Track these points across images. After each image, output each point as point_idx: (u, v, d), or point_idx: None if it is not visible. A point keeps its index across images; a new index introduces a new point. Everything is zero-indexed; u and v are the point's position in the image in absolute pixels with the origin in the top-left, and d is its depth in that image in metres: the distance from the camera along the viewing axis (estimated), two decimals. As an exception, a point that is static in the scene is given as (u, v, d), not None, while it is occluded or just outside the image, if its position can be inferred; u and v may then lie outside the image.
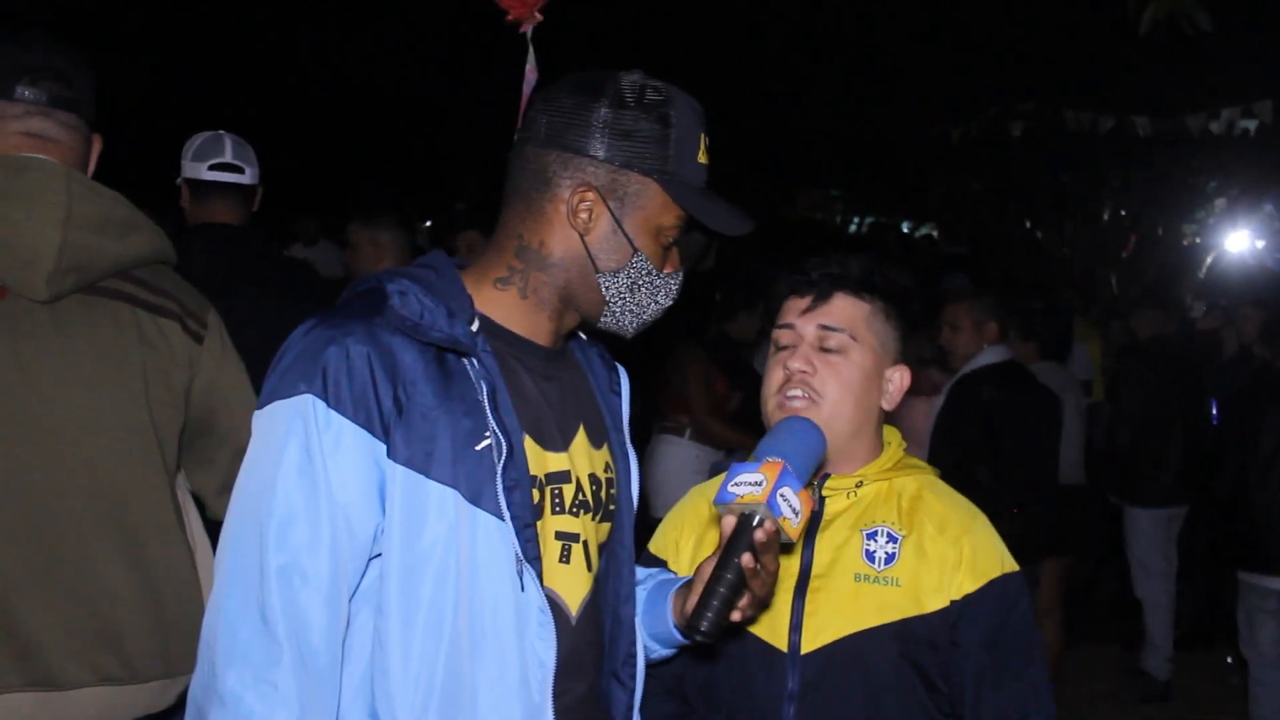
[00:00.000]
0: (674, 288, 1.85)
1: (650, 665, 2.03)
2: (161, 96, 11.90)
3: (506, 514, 1.67)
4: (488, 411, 1.68)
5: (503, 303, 1.78)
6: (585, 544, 1.83)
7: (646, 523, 2.28)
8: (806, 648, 2.05)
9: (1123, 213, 13.23)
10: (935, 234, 17.38)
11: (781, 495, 1.74)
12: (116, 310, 2.35)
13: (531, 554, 1.70)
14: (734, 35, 11.34)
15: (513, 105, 2.59)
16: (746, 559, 1.72)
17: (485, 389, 1.69)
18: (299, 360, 1.64)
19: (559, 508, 1.79)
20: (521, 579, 1.68)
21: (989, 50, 9.87)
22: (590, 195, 1.73)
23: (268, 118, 12.76)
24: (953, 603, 2.04)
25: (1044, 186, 12.94)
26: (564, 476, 1.81)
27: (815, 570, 2.09)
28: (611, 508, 1.91)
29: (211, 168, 3.76)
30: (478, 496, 1.66)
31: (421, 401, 1.64)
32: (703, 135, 1.81)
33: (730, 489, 1.77)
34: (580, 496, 1.83)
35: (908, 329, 2.20)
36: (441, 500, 1.64)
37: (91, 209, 2.32)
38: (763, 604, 1.82)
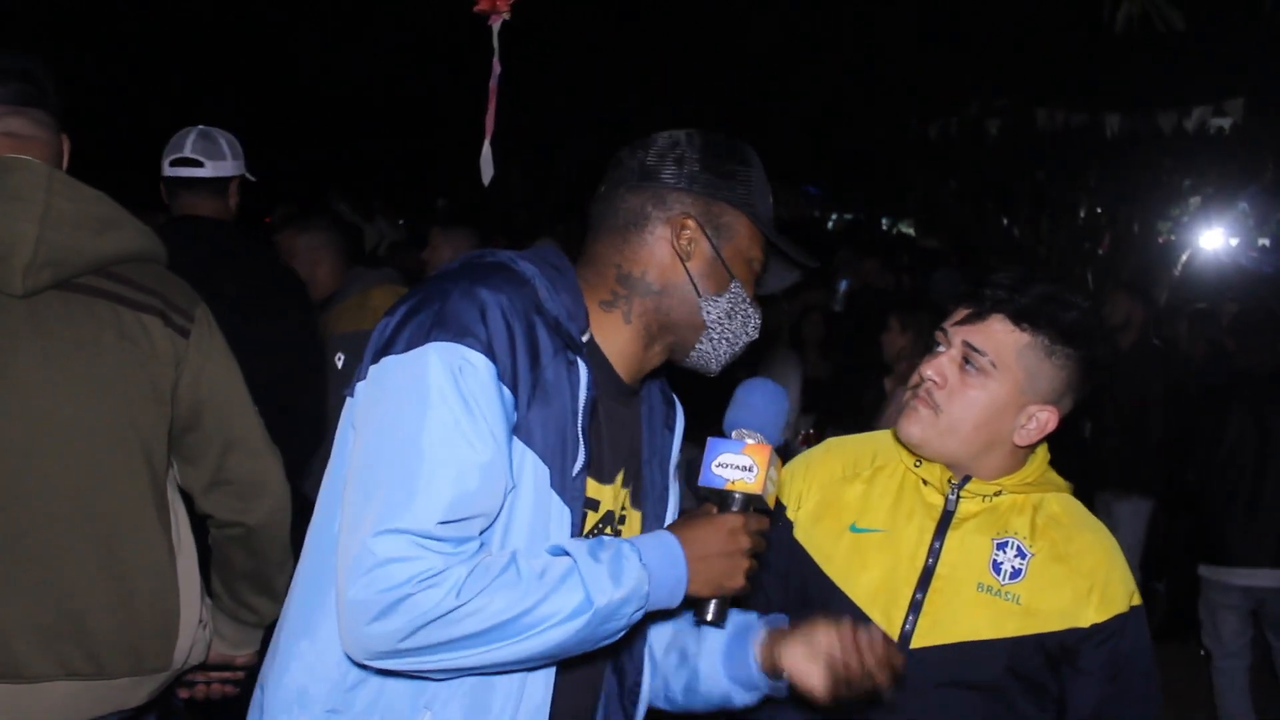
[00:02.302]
0: (758, 321, 1.93)
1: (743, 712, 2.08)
2: (142, 94, 11.83)
3: (570, 510, 1.76)
4: (581, 420, 1.75)
5: (607, 325, 1.87)
6: None
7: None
8: (916, 643, 2.06)
9: (1099, 210, 13.30)
10: (912, 231, 17.43)
11: (769, 478, 1.81)
12: (95, 307, 2.34)
13: None
14: (713, 33, 11.35)
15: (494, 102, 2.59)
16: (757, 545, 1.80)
17: (585, 399, 1.76)
18: (458, 310, 1.66)
19: (580, 531, 1.84)
20: None
21: (967, 48, 9.92)
22: (691, 224, 1.84)
23: (252, 114, 12.71)
24: (1074, 629, 2.04)
25: (1021, 184, 13.00)
26: (594, 504, 1.87)
27: (940, 569, 2.09)
28: None
29: (172, 164, 3.80)
30: (562, 486, 1.74)
31: (547, 383, 1.71)
32: (768, 183, 1.91)
33: (715, 470, 1.81)
34: (598, 528, 1.89)
35: (1084, 372, 2.09)
36: (538, 475, 1.71)
37: (70, 206, 2.32)
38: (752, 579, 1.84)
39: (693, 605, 1.82)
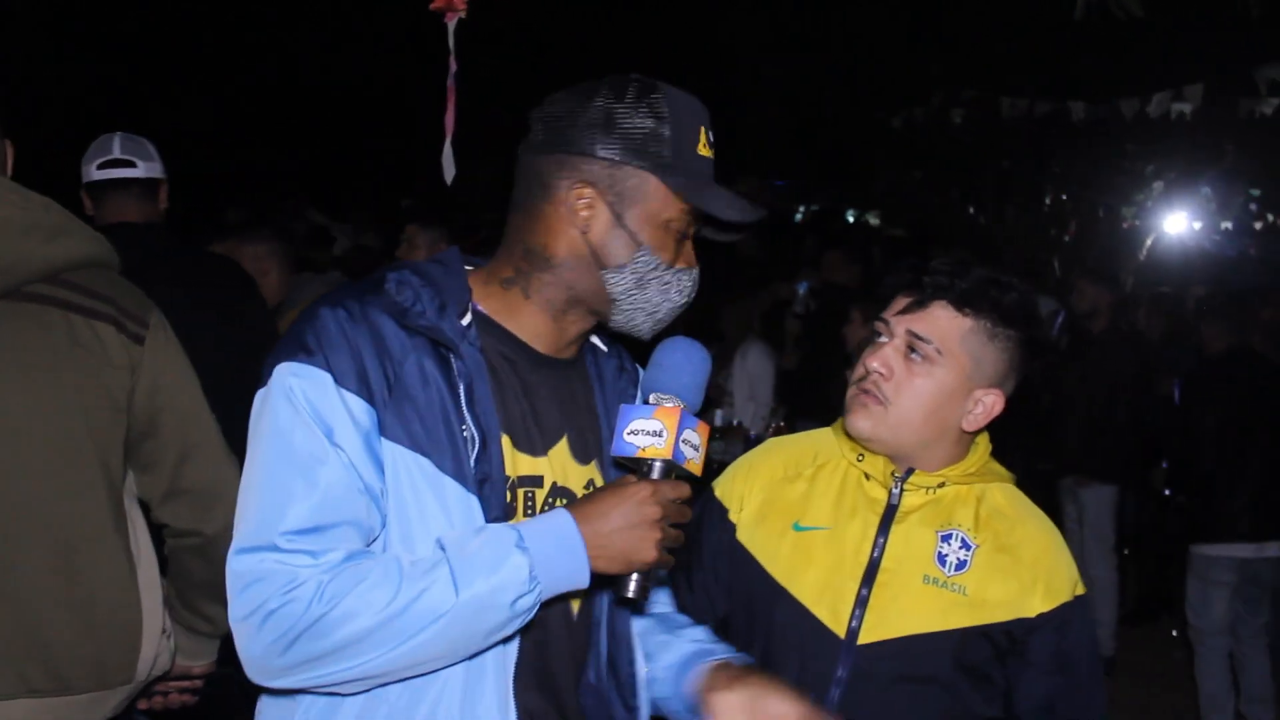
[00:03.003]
0: (687, 284, 1.83)
1: None
2: (101, 97, 11.70)
3: (475, 495, 1.69)
4: (464, 405, 1.70)
5: (506, 302, 1.81)
6: None
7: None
8: (864, 638, 2.04)
9: (1064, 197, 13.39)
10: (878, 221, 17.49)
11: (685, 441, 1.70)
12: (45, 315, 2.30)
13: None
14: (678, 29, 11.34)
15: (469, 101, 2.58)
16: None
17: (463, 383, 1.71)
18: (296, 331, 1.68)
19: (531, 510, 1.79)
20: None
21: (931, 38, 9.95)
22: (587, 192, 1.75)
23: (217, 117, 12.61)
24: (1020, 620, 2.03)
25: (986, 172, 13.07)
26: (536, 481, 1.80)
27: (885, 563, 2.07)
28: None
29: (101, 166, 3.67)
30: (458, 474, 1.68)
31: (407, 381, 1.67)
32: (703, 128, 1.80)
33: (627, 438, 1.71)
34: (550, 502, 1.82)
35: (1026, 352, 2.08)
36: (421, 467, 1.67)
37: (17, 213, 2.28)
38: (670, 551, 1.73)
39: (611, 584, 1.72)
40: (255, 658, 1.60)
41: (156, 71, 12.60)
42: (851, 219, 18.44)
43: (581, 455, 1.88)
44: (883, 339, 2.09)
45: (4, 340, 2.26)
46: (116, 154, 3.68)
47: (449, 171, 3.04)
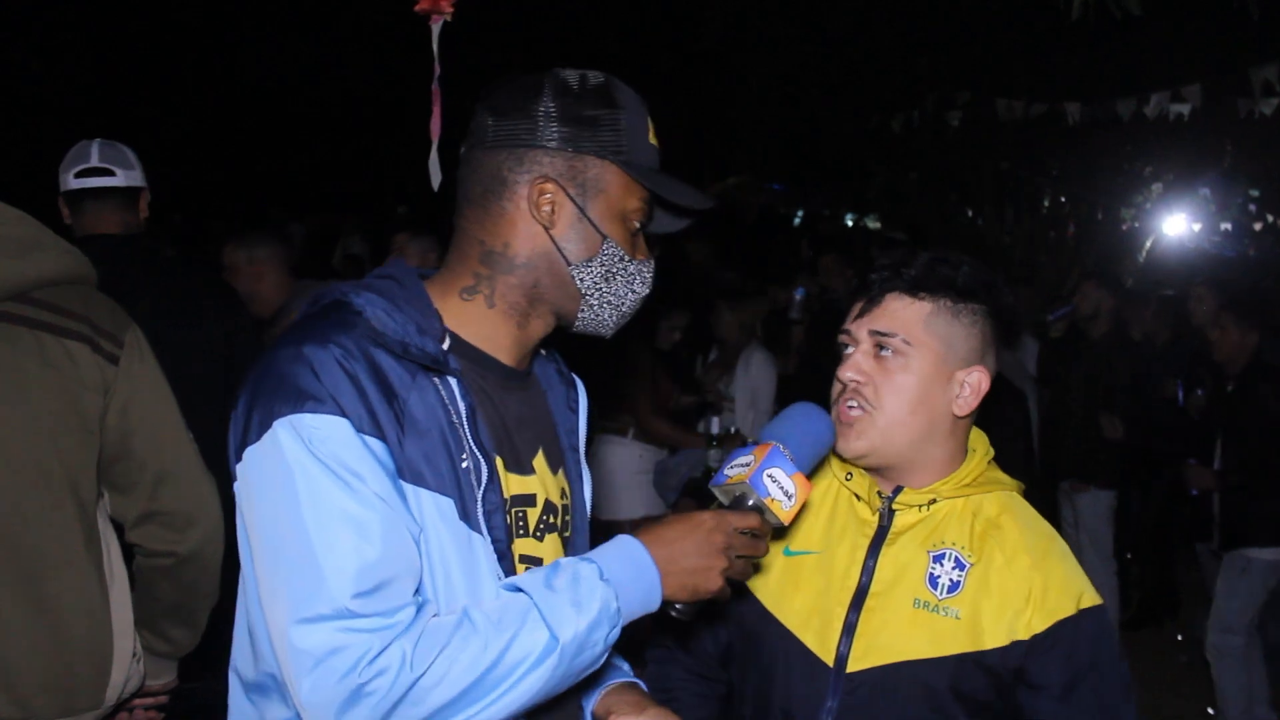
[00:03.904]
0: (648, 275, 1.78)
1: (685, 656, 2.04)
2: (79, 100, 11.65)
3: (487, 535, 1.64)
4: (466, 433, 1.63)
5: (470, 315, 1.72)
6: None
7: (591, 526, 2.23)
8: (853, 666, 1.96)
9: (1062, 199, 13.37)
10: (878, 225, 17.47)
11: (769, 475, 1.69)
12: (14, 335, 2.24)
13: (507, 577, 1.65)
14: (673, 30, 11.32)
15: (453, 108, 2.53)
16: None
17: (464, 409, 1.64)
18: (291, 377, 1.53)
19: (523, 531, 1.75)
20: None
21: (926, 40, 9.92)
22: (550, 186, 1.68)
23: (203, 125, 12.58)
24: (1016, 642, 1.91)
25: (983, 174, 13.04)
26: (529, 500, 1.76)
27: (874, 587, 1.99)
28: (567, 534, 1.85)
29: (79, 174, 3.53)
30: (465, 514, 1.62)
31: (413, 415, 1.59)
32: (648, 118, 1.76)
33: (725, 471, 1.74)
34: (545, 519, 1.78)
35: (997, 323, 2.02)
36: (441, 510, 1.59)
37: None
38: (738, 580, 1.73)
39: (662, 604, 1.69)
40: None
41: (143, 79, 12.56)
42: (850, 222, 18.43)
43: (554, 466, 1.84)
44: (849, 349, 2.03)
45: None
46: (94, 162, 3.55)
47: (436, 178, 3.00)
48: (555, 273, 1.71)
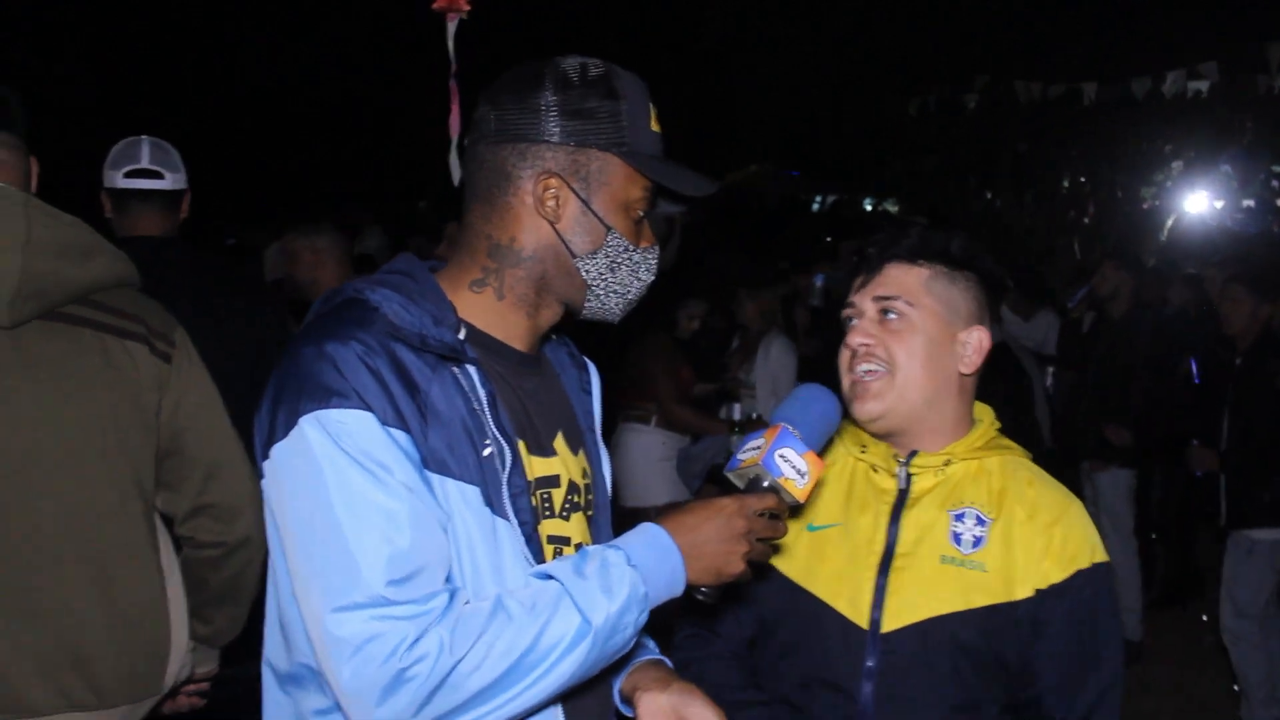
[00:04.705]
0: (653, 262, 1.81)
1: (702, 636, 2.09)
2: (108, 105, 11.75)
3: (514, 519, 1.67)
4: (488, 419, 1.66)
5: (481, 306, 1.75)
6: (577, 546, 1.82)
7: (616, 512, 2.29)
8: (887, 626, 2.01)
9: (1081, 180, 13.31)
10: (896, 209, 17.43)
11: (780, 456, 1.74)
12: (79, 336, 2.32)
13: (537, 560, 1.69)
14: (688, 16, 11.33)
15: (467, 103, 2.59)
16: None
17: (485, 396, 1.67)
18: (314, 374, 1.56)
19: (549, 512, 1.78)
20: None
21: (941, 24, 9.91)
22: (554, 181, 1.70)
23: (217, 123, 12.65)
24: (1038, 592, 1.99)
25: (1001, 157, 13.00)
26: (553, 481, 1.80)
27: (900, 549, 2.05)
28: (591, 513, 1.89)
29: (128, 175, 3.55)
30: (489, 500, 1.65)
31: (435, 406, 1.62)
32: (650, 104, 1.78)
33: (738, 456, 1.78)
34: (570, 499, 1.82)
35: (989, 289, 2.12)
36: (466, 498, 1.63)
37: (50, 234, 2.29)
38: (759, 562, 1.77)
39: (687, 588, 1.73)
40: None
41: (145, 77, 12.61)
42: (869, 207, 18.39)
43: (573, 447, 1.88)
44: (854, 321, 2.11)
45: (41, 362, 2.28)
46: (144, 163, 3.56)
47: (456, 174, 3.05)
48: (561, 265, 1.74)
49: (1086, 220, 13.35)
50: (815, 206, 19.33)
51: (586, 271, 1.75)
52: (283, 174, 14.50)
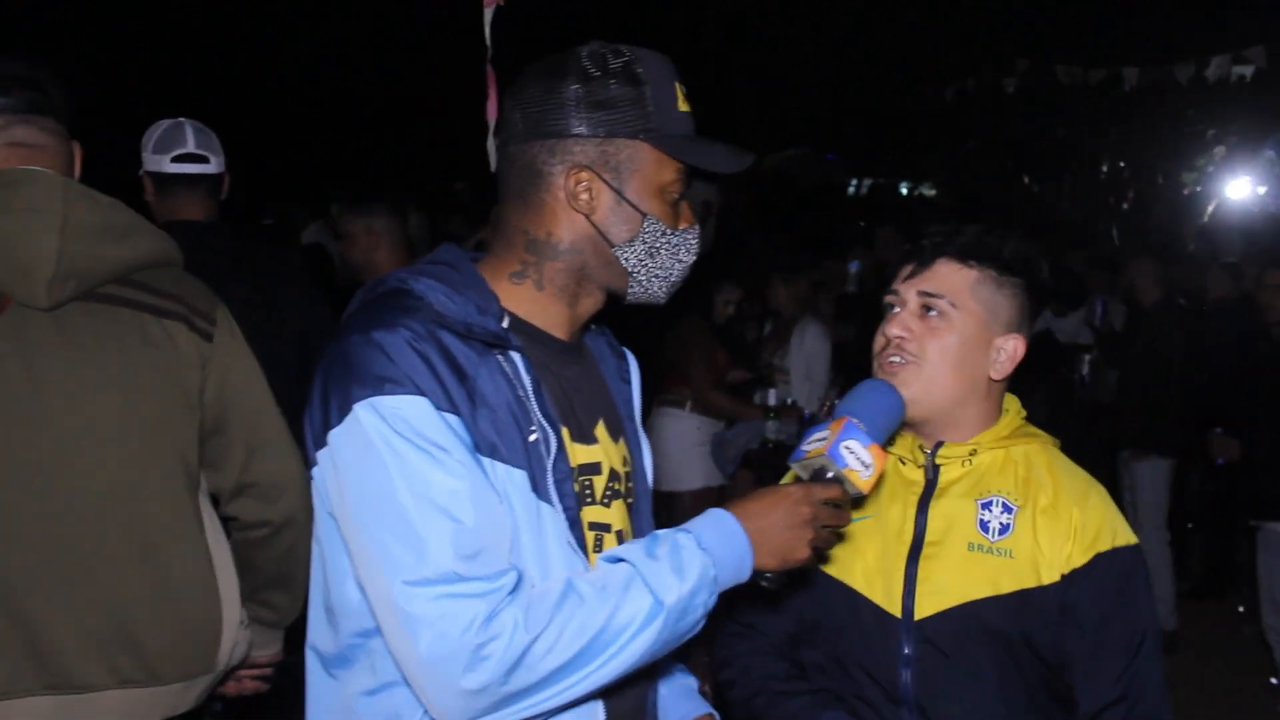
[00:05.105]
0: (693, 242, 1.81)
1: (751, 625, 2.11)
2: (142, 91, 11.83)
3: (558, 505, 1.68)
4: (534, 406, 1.68)
5: (522, 297, 1.76)
6: (618, 534, 1.83)
7: (654, 496, 2.29)
8: (920, 614, 2.03)
9: (1121, 165, 13.19)
10: (932, 193, 17.31)
11: (846, 447, 1.75)
12: (118, 315, 2.33)
13: (579, 545, 1.70)
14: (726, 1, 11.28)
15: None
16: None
17: (530, 383, 1.68)
18: (365, 362, 1.58)
19: (590, 498, 1.79)
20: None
21: (980, 7, 9.81)
22: (585, 175, 1.70)
23: (253, 108, 12.71)
24: (1064, 576, 2.00)
25: (1040, 141, 12.89)
26: (595, 468, 1.81)
27: (929, 537, 2.06)
28: (631, 500, 1.91)
29: (175, 159, 3.52)
30: (535, 485, 1.66)
31: (482, 392, 1.63)
32: (677, 84, 1.77)
33: (803, 447, 1.79)
34: (611, 486, 1.83)
35: (1034, 299, 2.12)
36: (516, 482, 1.64)
37: (88, 215, 2.31)
38: (820, 552, 1.79)
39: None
40: (457, 700, 1.52)
41: (146, 75, 12.64)
42: (905, 191, 18.28)
43: (614, 434, 1.89)
44: (896, 309, 2.10)
45: (82, 342, 2.29)
46: (191, 148, 3.54)
47: (494, 159, 3.06)
48: (601, 255, 1.75)
49: (1125, 206, 13.23)
50: (851, 190, 19.24)
51: (626, 259, 1.75)
52: (317, 155, 14.56)
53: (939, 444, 2.10)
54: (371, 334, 1.60)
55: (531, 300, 1.77)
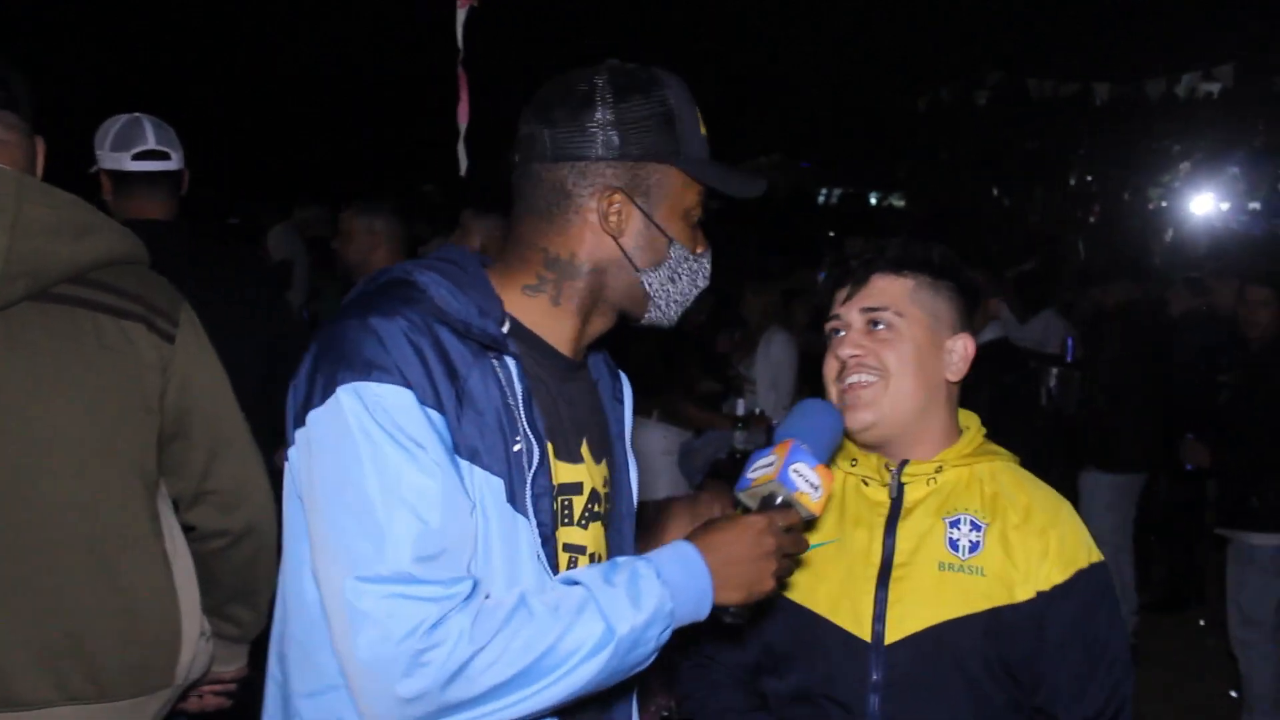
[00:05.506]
0: (709, 268, 1.81)
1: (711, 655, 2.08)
2: (117, 86, 11.71)
3: (533, 519, 1.65)
4: (521, 415, 1.65)
5: (535, 309, 1.74)
6: (592, 556, 1.80)
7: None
8: (890, 638, 1.99)
9: (1089, 179, 13.30)
10: (901, 204, 17.39)
11: (794, 470, 1.72)
12: (73, 316, 2.24)
13: (550, 564, 1.66)
14: (700, 8, 11.28)
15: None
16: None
17: (521, 391, 1.65)
18: (358, 346, 1.55)
19: (568, 519, 1.76)
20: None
21: (954, 19, 9.86)
22: (618, 197, 1.69)
23: (220, 102, 12.60)
24: (1040, 594, 1.98)
25: (1011, 154, 12.98)
26: (576, 488, 1.78)
27: (897, 559, 2.03)
28: (608, 523, 1.87)
29: (137, 156, 3.42)
30: (512, 496, 1.63)
31: (472, 393, 1.60)
32: (695, 107, 1.77)
33: (748, 475, 1.75)
34: (589, 508, 1.80)
35: (968, 298, 2.14)
36: (493, 491, 1.61)
37: (42, 212, 2.23)
38: (782, 581, 1.76)
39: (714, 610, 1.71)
40: (391, 707, 1.48)
41: (144, 70, 12.55)
42: (874, 201, 18.36)
43: (597, 454, 1.85)
44: (841, 333, 2.09)
45: (33, 344, 2.21)
46: (153, 144, 3.45)
47: (464, 163, 3.02)
48: (623, 278, 1.74)
49: (1092, 220, 13.33)
50: (821, 200, 19.28)
51: (649, 283, 1.74)
52: (285, 155, 14.45)
53: (904, 462, 2.08)
54: (369, 319, 1.57)
55: (544, 313, 1.74)
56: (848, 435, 2.08)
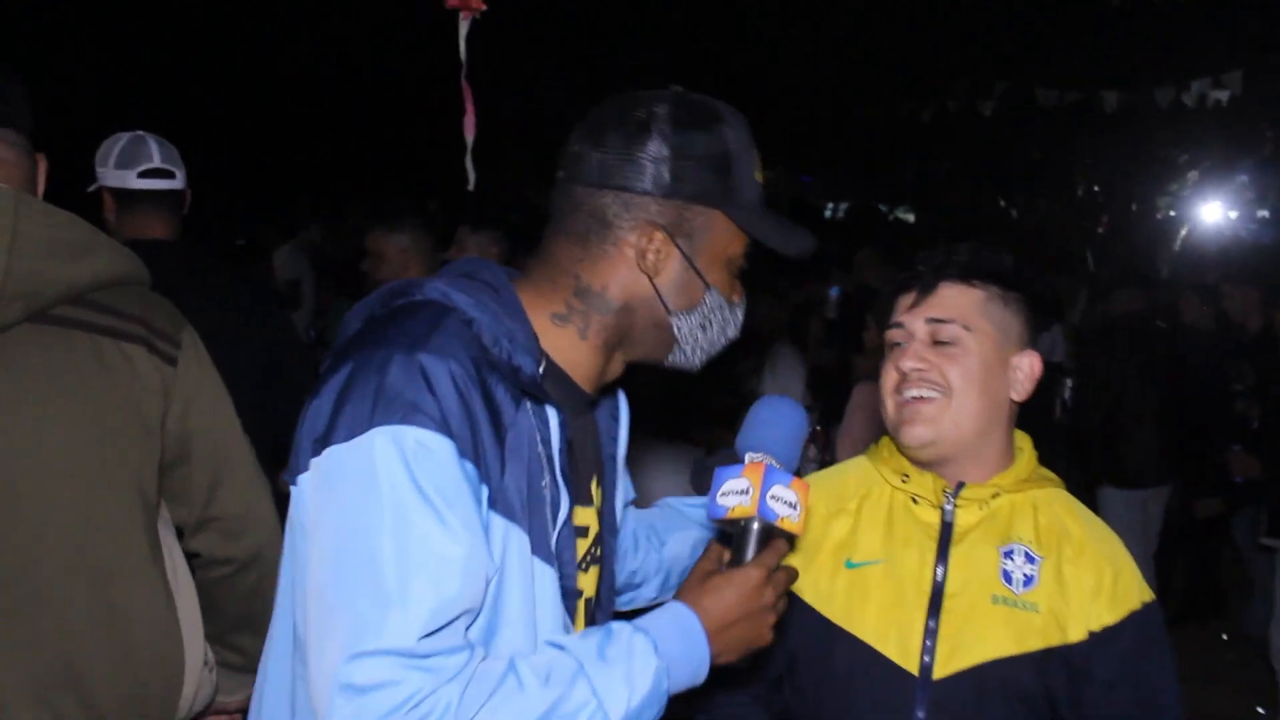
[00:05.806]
0: (741, 318, 1.72)
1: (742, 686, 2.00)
2: (114, 95, 11.69)
3: (556, 570, 1.58)
4: (556, 466, 1.57)
5: (562, 342, 1.64)
6: (586, 602, 1.73)
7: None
8: (940, 672, 1.89)
9: (1095, 189, 13.25)
10: (909, 216, 17.36)
11: (773, 496, 1.62)
12: (71, 338, 2.18)
13: (568, 613, 1.61)
14: (704, 19, 11.27)
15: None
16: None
17: (559, 442, 1.57)
18: (401, 384, 1.43)
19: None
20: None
21: (959, 28, 9.83)
22: (659, 235, 1.60)
23: (221, 120, 12.60)
24: (1091, 634, 1.88)
25: (1017, 164, 12.93)
26: (584, 532, 1.71)
27: (949, 588, 1.93)
28: (600, 563, 1.80)
29: (143, 174, 3.39)
30: (536, 546, 1.55)
31: (515, 446, 1.52)
32: (755, 151, 1.68)
33: (720, 500, 1.65)
34: (591, 552, 1.74)
35: (1038, 313, 2.03)
36: (518, 542, 1.52)
37: (40, 232, 2.17)
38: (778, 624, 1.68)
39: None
40: None
41: (168, 70, 12.56)
42: (885, 211, 18.33)
43: (601, 487, 1.80)
44: (902, 344, 1.98)
45: (31, 368, 2.15)
46: (158, 163, 3.42)
47: (472, 177, 2.96)
48: (654, 319, 1.65)
49: (1100, 230, 13.28)
50: (827, 214, 19.24)
51: (679, 328, 1.66)
52: (285, 155, 14.44)
53: (960, 485, 1.97)
54: (417, 354, 1.46)
55: (571, 347, 1.65)
56: (900, 449, 2.00)
